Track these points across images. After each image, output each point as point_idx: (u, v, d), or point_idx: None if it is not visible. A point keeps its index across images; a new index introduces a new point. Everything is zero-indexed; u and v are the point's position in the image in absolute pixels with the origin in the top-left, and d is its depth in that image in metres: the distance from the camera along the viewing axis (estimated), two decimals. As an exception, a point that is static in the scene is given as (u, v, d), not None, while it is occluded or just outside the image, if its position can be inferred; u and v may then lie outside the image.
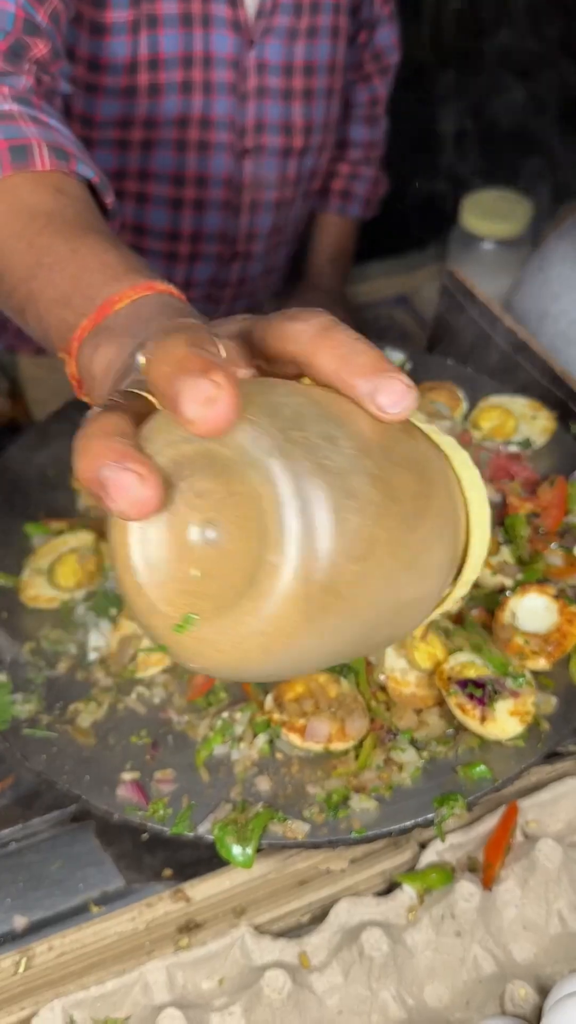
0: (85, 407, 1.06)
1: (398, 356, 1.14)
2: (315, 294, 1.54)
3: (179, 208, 1.32)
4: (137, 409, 0.47)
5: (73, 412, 1.08)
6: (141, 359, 0.44)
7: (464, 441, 1.02)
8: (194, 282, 1.42)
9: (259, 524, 0.44)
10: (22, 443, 1.06)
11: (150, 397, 0.47)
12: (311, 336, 0.48)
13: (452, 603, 0.62)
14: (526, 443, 1.01)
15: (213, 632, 0.45)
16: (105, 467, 0.42)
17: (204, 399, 0.40)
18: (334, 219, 1.60)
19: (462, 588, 0.60)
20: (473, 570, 0.59)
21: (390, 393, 0.47)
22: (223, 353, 0.44)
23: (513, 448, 1.01)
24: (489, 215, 1.53)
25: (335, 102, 1.40)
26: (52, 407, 1.08)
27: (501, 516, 0.96)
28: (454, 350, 1.14)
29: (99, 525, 0.96)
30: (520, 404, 1.04)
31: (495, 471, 0.99)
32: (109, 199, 0.82)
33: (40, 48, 0.88)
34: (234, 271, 1.44)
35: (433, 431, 0.59)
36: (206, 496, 0.45)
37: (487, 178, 1.61)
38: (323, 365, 0.48)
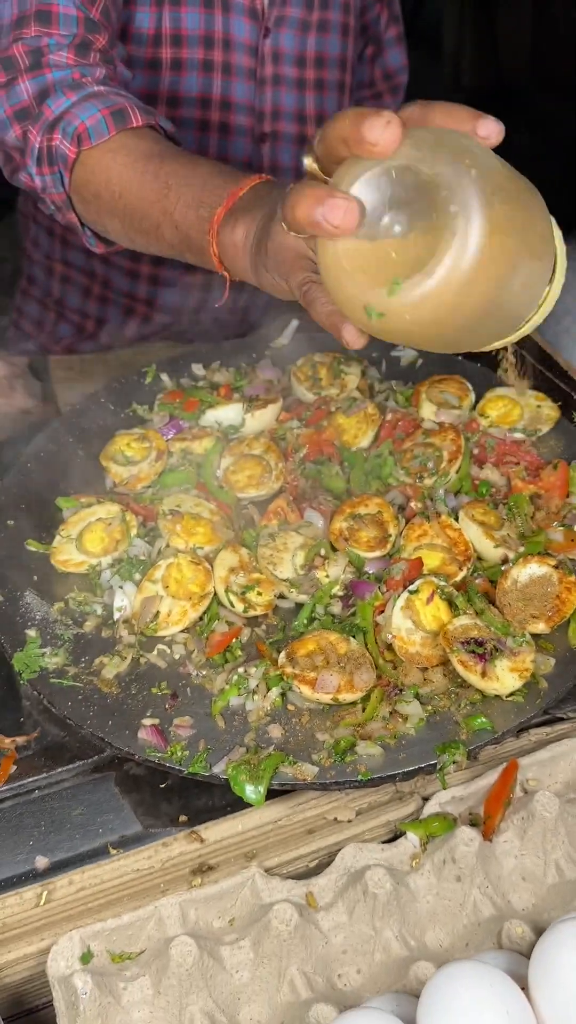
0: (108, 399, 1.14)
1: (411, 352, 1.20)
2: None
3: None
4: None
5: (96, 405, 1.15)
6: (307, 158, 0.67)
7: (472, 428, 1.07)
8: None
9: (434, 204, 0.62)
10: (52, 429, 1.12)
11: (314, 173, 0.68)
12: (420, 108, 0.66)
13: (550, 303, 0.75)
14: (531, 431, 1.07)
15: (414, 288, 0.62)
16: (318, 207, 0.62)
17: (384, 124, 0.61)
18: None
19: (557, 287, 0.74)
20: (561, 270, 0.74)
21: (487, 126, 0.66)
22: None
23: (518, 435, 1.06)
24: None
25: (346, 97, 1.48)
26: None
27: (505, 496, 1.01)
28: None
29: (125, 499, 1.02)
30: (525, 395, 1.10)
31: (500, 456, 1.04)
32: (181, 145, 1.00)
33: (100, 40, 1.05)
34: None
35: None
36: (387, 203, 0.63)
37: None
38: (437, 120, 0.66)
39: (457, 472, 1.02)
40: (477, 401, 1.12)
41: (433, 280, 0.62)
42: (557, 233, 0.74)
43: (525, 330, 0.77)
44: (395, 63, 1.58)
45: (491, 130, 0.66)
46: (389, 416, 1.09)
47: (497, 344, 0.78)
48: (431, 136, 0.65)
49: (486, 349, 0.78)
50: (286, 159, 1.43)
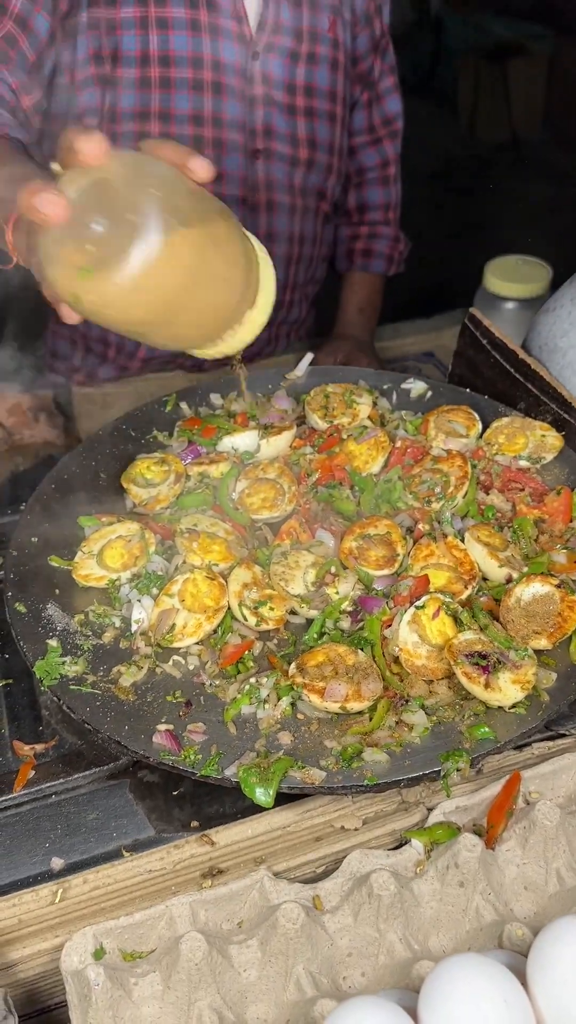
0: (129, 426, 1.19)
1: (421, 385, 1.25)
2: (344, 342, 1.67)
3: None
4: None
5: (118, 431, 1.20)
6: (54, 164, 0.80)
7: (479, 456, 1.11)
8: None
9: (125, 209, 0.77)
10: (76, 452, 1.17)
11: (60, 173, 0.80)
12: (151, 144, 0.84)
13: (251, 327, 0.90)
14: (535, 459, 1.11)
15: (102, 278, 0.77)
16: (36, 196, 0.75)
17: (91, 140, 0.77)
18: (359, 275, 1.74)
19: (260, 313, 0.91)
20: (267, 297, 0.91)
21: (196, 162, 0.83)
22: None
23: (523, 463, 1.10)
24: (511, 278, 1.65)
25: (338, 128, 1.54)
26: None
27: (510, 520, 1.05)
28: (472, 380, 1.25)
29: (144, 519, 1.06)
30: (531, 425, 1.14)
31: (506, 482, 1.08)
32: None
33: (4, 24, 1.17)
34: None
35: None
36: (93, 206, 0.77)
37: (510, 248, 1.75)
38: (159, 154, 0.83)
39: (464, 497, 1.06)
40: (484, 430, 1.16)
41: (111, 273, 0.76)
42: (264, 262, 0.90)
43: (223, 349, 0.90)
44: (392, 110, 1.67)
45: (198, 166, 0.83)
46: (399, 443, 1.13)
47: (197, 352, 0.91)
48: (135, 161, 0.82)
49: (202, 354, 0.91)
50: (280, 175, 1.50)
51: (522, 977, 0.68)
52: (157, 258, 0.77)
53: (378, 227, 1.73)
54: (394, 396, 1.26)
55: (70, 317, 0.84)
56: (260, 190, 1.50)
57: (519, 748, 0.90)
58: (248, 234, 0.92)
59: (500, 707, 0.86)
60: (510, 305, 1.65)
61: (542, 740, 0.91)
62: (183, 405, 1.24)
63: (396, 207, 1.76)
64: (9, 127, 1.22)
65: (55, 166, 0.81)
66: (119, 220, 0.77)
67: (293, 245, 1.59)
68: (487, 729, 0.84)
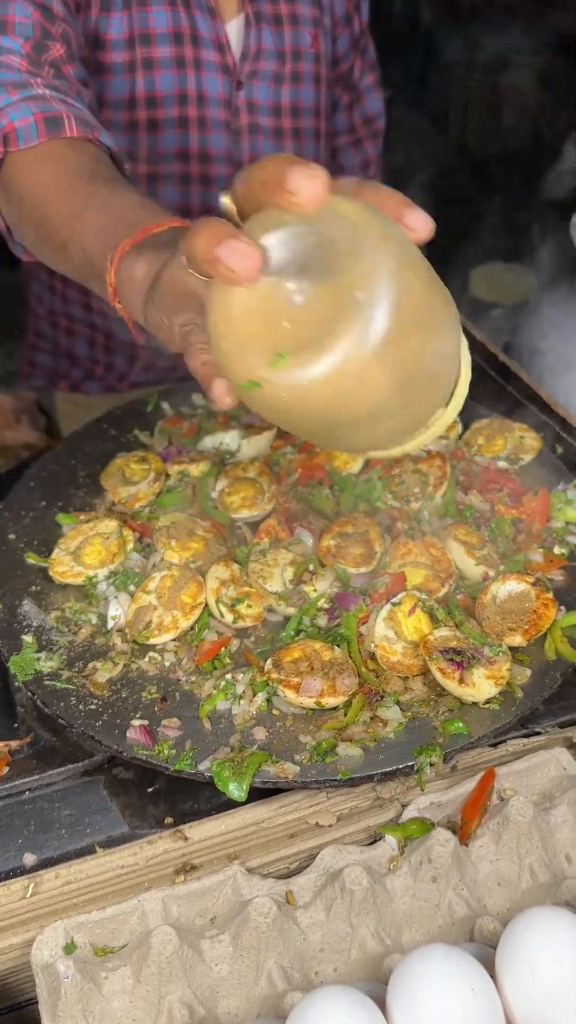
0: (110, 426, 1.19)
1: (401, 386, 1.25)
2: None
3: None
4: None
5: (98, 430, 1.21)
6: (225, 197, 0.62)
7: (458, 456, 1.12)
8: None
9: (344, 276, 0.56)
10: (56, 451, 1.17)
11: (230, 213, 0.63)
12: (354, 184, 0.64)
13: (440, 427, 0.71)
14: (514, 460, 1.11)
15: (300, 366, 0.57)
16: (219, 244, 0.57)
17: (308, 176, 0.56)
18: None
19: (452, 412, 0.72)
20: (461, 396, 0.71)
21: (416, 218, 0.63)
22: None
23: (502, 463, 1.11)
24: (496, 284, 1.67)
25: (322, 143, 1.54)
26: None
27: (488, 520, 1.05)
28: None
29: (123, 516, 1.07)
30: (510, 427, 1.15)
31: (485, 483, 1.09)
32: (127, 167, 0.99)
33: (57, 50, 1.07)
34: None
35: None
36: (297, 265, 0.58)
37: (496, 254, 1.76)
38: (367, 199, 0.62)
39: (442, 497, 1.06)
40: (464, 431, 1.16)
41: (318, 369, 0.56)
42: (465, 356, 0.69)
43: (405, 448, 0.72)
44: (373, 109, 1.65)
45: (419, 222, 0.62)
46: (378, 444, 1.13)
47: (372, 454, 0.75)
48: (357, 210, 0.59)
49: (361, 455, 0.75)
50: None
51: (491, 968, 0.68)
52: (380, 352, 0.57)
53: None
54: (375, 398, 1.26)
55: (223, 401, 0.69)
56: None
57: (494, 745, 0.90)
58: None
59: (474, 703, 0.86)
60: (496, 311, 1.67)
61: (517, 737, 0.91)
62: (164, 405, 1.24)
63: None
64: (99, 130, 0.99)
65: (225, 200, 0.62)
66: (336, 293, 0.57)
67: None
68: (461, 724, 0.84)
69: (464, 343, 0.70)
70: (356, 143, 1.69)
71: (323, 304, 0.57)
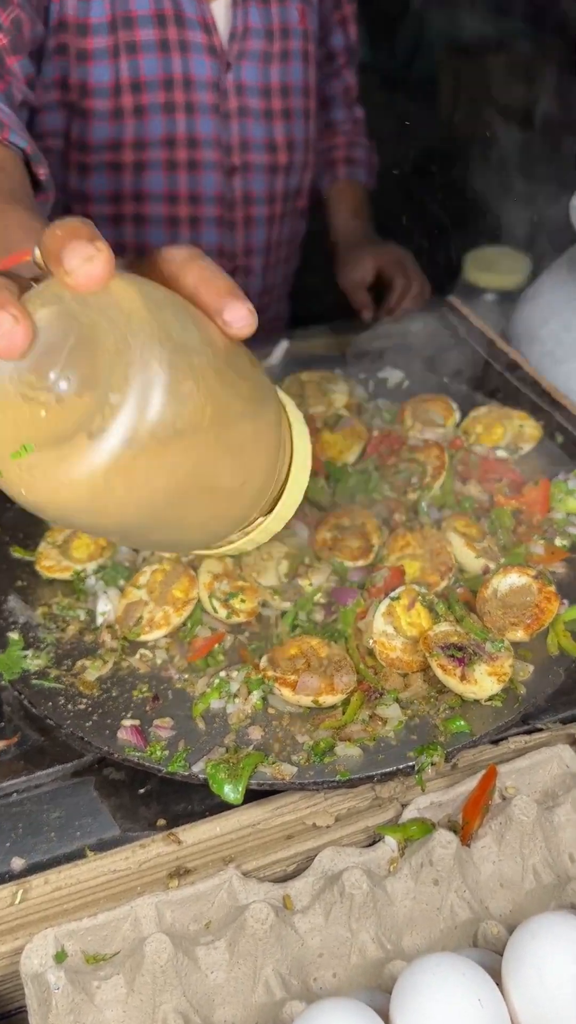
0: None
1: (398, 373, 1.23)
2: (358, 247, 1.62)
3: (175, 226, 1.42)
4: (23, 286, 0.55)
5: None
6: (37, 251, 0.53)
7: (456, 446, 1.09)
8: None
9: (106, 373, 0.50)
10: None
11: (40, 267, 0.54)
12: (183, 259, 0.57)
13: (263, 534, 0.66)
14: (513, 449, 1.09)
15: (46, 463, 0.51)
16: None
17: (85, 256, 0.49)
18: (345, 184, 1.70)
19: (276, 522, 0.65)
20: (288, 507, 0.65)
21: (235, 312, 0.56)
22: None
23: (501, 453, 1.08)
24: (490, 269, 1.64)
25: (312, 123, 1.52)
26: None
27: (488, 511, 1.03)
28: (450, 369, 1.23)
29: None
30: (509, 415, 1.12)
31: (483, 472, 1.06)
32: (42, 171, 0.91)
33: (1, 39, 1.01)
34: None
35: (278, 391, 0.67)
36: (64, 351, 0.51)
37: (491, 238, 1.73)
38: (187, 282, 0.56)
39: (441, 487, 1.04)
40: (462, 419, 1.14)
41: (57, 472, 0.51)
42: (300, 455, 0.65)
43: (223, 551, 0.68)
44: (335, 45, 1.64)
45: (236, 317, 0.56)
46: (375, 433, 1.11)
47: (203, 553, 0.68)
48: (138, 301, 0.52)
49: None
50: (258, 188, 1.46)
51: (497, 976, 0.66)
52: (126, 465, 0.51)
53: (353, 137, 1.70)
54: (370, 385, 1.23)
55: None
56: (237, 207, 1.47)
57: (495, 742, 0.88)
58: (286, 406, 0.68)
59: (476, 700, 0.84)
60: (490, 296, 1.63)
61: (518, 734, 0.89)
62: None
63: (363, 124, 1.74)
64: (9, 130, 0.90)
65: (37, 253, 0.53)
66: (97, 392, 0.51)
67: (271, 253, 1.56)
68: (463, 722, 0.82)
69: (301, 441, 0.65)
70: (336, 73, 1.67)
71: (83, 400, 0.51)
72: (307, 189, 1.60)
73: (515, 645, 0.88)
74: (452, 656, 0.83)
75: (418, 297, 1.54)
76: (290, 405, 0.68)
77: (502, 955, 0.71)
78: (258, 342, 1.58)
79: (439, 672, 0.84)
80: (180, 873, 0.82)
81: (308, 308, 1.75)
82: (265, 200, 1.48)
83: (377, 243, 1.61)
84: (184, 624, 0.92)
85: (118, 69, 1.28)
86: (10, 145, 0.89)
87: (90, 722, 0.84)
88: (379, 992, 0.68)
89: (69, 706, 0.85)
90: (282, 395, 0.68)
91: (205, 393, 0.53)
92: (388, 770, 0.79)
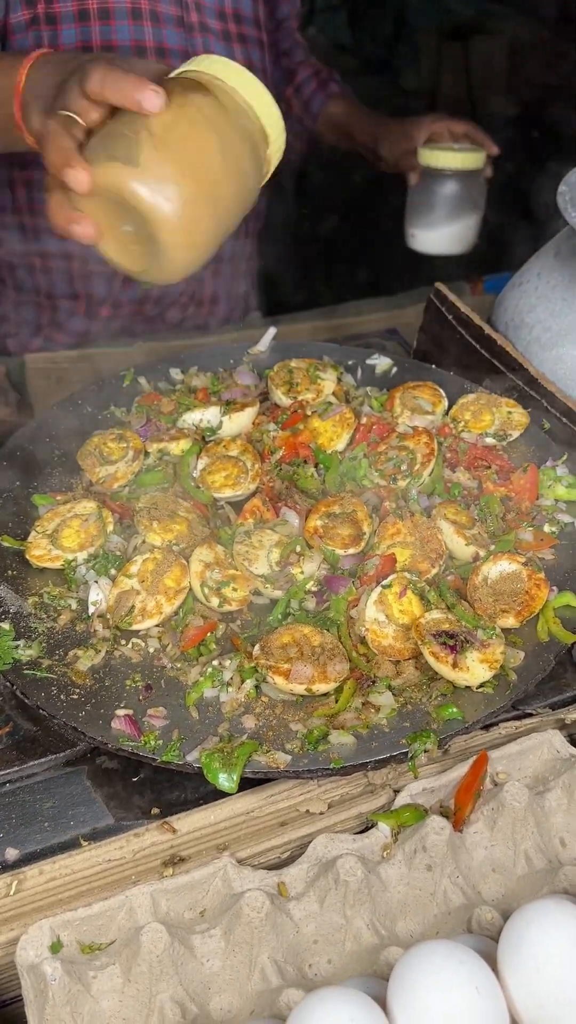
0: (84, 400, 1.15)
1: (386, 361, 1.22)
2: (399, 123, 1.67)
3: None
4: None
5: (74, 406, 1.16)
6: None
7: (445, 433, 1.09)
8: None
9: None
10: (29, 428, 1.13)
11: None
12: (99, 79, 0.85)
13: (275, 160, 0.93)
14: (501, 436, 1.09)
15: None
16: (65, 167, 0.83)
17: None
18: (343, 93, 1.75)
19: (276, 153, 0.94)
20: (276, 146, 0.93)
21: (145, 99, 0.83)
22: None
23: (489, 440, 1.09)
24: (448, 149, 1.60)
25: (267, 56, 1.56)
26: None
27: (477, 498, 1.03)
28: (437, 356, 1.23)
29: (102, 497, 1.03)
30: (497, 402, 1.12)
31: (472, 460, 1.06)
32: None
33: None
34: None
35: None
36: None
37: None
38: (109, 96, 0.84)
39: (430, 475, 1.04)
40: (450, 407, 1.14)
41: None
42: (250, 89, 0.90)
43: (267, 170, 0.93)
44: (284, 13, 1.68)
45: (147, 99, 0.82)
46: (364, 420, 1.11)
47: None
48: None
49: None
50: None
51: (492, 962, 0.67)
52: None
53: (325, 69, 1.76)
54: (359, 372, 1.23)
55: (86, 234, 0.86)
56: None
57: (486, 728, 0.89)
58: (230, 67, 0.91)
59: (468, 687, 0.85)
60: (449, 179, 1.60)
61: (509, 720, 0.90)
62: (141, 380, 1.20)
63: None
64: None
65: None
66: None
67: None
68: (455, 709, 0.82)
69: (247, 88, 0.91)
70: (288, 34, 1.72)
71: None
72: None
73: (506, 632, 0.89)
74: (444, 644, 0.84)
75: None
76: (236, 77, 0.92)
77: (497, 940, 0.72)
78: (239, 321, 1.57)
79: (431, 659, 0.84)
80: (175, 861, 0.82)
81: (290, 297, 1.75)
82: None
83: (412, 119, 1.66)
84: (176, 613, 0.92)
85: None
86: None
87: (83, 712, 0.83)
88: (375, 979, 0.69)
89: (62, 696, 0.85)
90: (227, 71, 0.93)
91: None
92: (381, 757, 0.80)
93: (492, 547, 0.95)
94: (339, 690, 0.85)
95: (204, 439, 1.10)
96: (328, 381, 1.16)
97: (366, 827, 0.85)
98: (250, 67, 1.50)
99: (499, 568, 0.92)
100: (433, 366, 1.21)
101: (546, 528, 0.99)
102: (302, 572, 0.94)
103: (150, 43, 1.40)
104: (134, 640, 0.90)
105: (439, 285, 1.23)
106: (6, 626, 0.90)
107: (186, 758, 0.80)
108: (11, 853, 0.83)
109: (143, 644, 0.90)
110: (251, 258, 1.76)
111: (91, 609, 0.92)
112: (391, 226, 1.83)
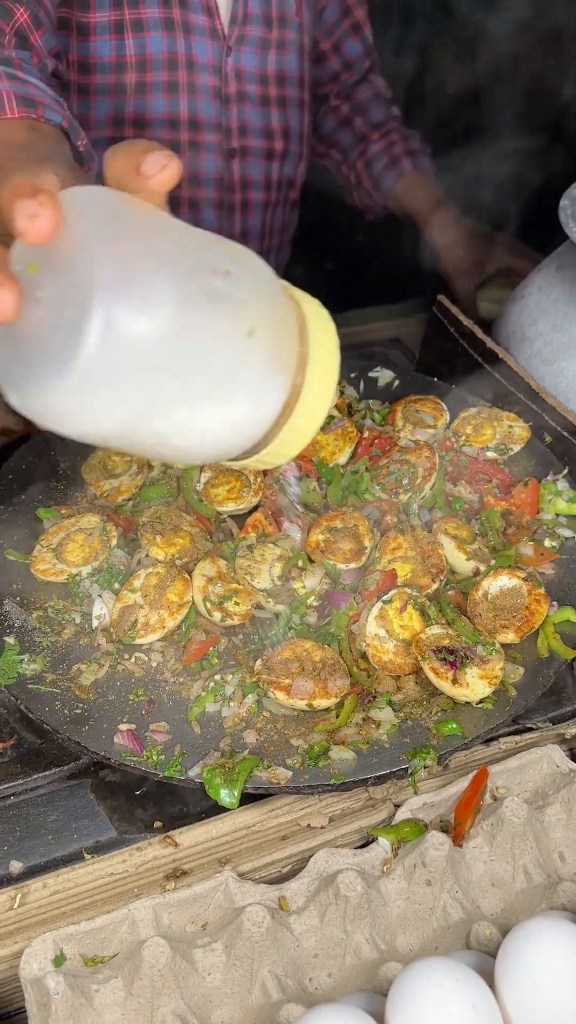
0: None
1: (388, 373, 1.23)
2: (472, 242, 1.49)
3: (176, 207, 1.44)
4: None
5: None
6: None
7: (446, 447, 1.10)
8: None
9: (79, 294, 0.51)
10: (34, 442, 1.14)
11: None
12: (114, 149, 0.58)
13: (287, 442, 0.60)
14: (502, 450, 1.10)
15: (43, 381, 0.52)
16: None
17: (28, 215, 0.51)
18: (417, 175, 1.59)
19: (290, 433, 0.60)
20: (306, 415, 0.59)
21: (150, 161, 0.55)
22: (54, 179, 0.57)
23: (491, 454, 1.09)
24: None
25: (307, 115, 1.53)
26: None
27: (478, 512, 1.04)
28: (440, 369, 1.24)
29: (106, 511, 1.04)
30: (498, 416, 1.13)
31: (474, 474, 1.07)
32: (81, 142, 0.90)
33: (22, 15, 1.01)
34: None
35: (289, 287, 0.63)
36: (45, 281, 0.53)
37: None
38: (116, 163, 0.57)
39: (431, 488, 1.04)
40: (452, 420, 1.15)
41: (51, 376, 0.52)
42: (318, 338, 0.60)
43: (260, 461, 0.62)
44: (352, 52, 1.60)
45: (150, 167, 0.55)
46: (366, 434, 1.11)
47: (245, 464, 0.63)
48: (101, 211, 0.54)
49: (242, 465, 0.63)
50: (255, 173, 1.49)
51: (489, 978, 0.68)
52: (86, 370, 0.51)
53: (405, 131, 1.62)
54: (361, 384, 1.24)
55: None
56: (236, 190, 1.48)
57: (486, 743, 0.89)
58: (296, 294, 0.62)
59: (467, 702, 0.85)
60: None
61: (509, 734, 0.91)
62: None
63: (400, 119, 1.67)
64: (43, 107, 0.84)
65: None
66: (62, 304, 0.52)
67: (264, 239, 1.58)
68: (455, 725, 0.83)
69: (316, 324, 0.60)
70: (363, 79, 1.63)
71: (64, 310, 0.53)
72: (300, 182, 1.61)
73: (505, 647, 0.90)
74: (444, 659, 0.84)
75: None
76: (308, 301, 0.62)
77: (494, 956, 0.73)
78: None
79: (431, 675, 0.85)
80: (177, 875, 0.83)
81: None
82: (262, 186, 1.50)
83: (484, 237, 1.47)
84: (179, 627, 0.93)
85: (122, 46, 1.29)
86: (47, 122, 0.88)
87: (86, 727, 0.84)
88: (374, 995, 0.70)
89: (65, 711, 0.86)
90: (300, 293, 0.63)
91: (180, 297, 0.53)
92: (382, 773, 0.81)
93: (493, 562, 0.96)
94: (340, 705, 0.85)
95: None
96: (330, 394, 1.17)
97: (367, 841, 0.85)
98: (286, 131, 1.50)
99: (499, 583, 0.92)
100: (435, 379, 1.22)
101: (547, 543, 1.00)
102: (304, 587, 0.94)
103: (184, 116, 1.36)
104: (137, 654, 0.91)
105: (441, 298, 1.24)
106: (11, 640, 0.91)
107: (188, 773, 0.80)
108: (15, 866, 0.84)
109: (146, 658, 0.91)
110: (279, 270, 1.76)
111: (95, 623, 0.93)
112: (396, 233, 1.84)
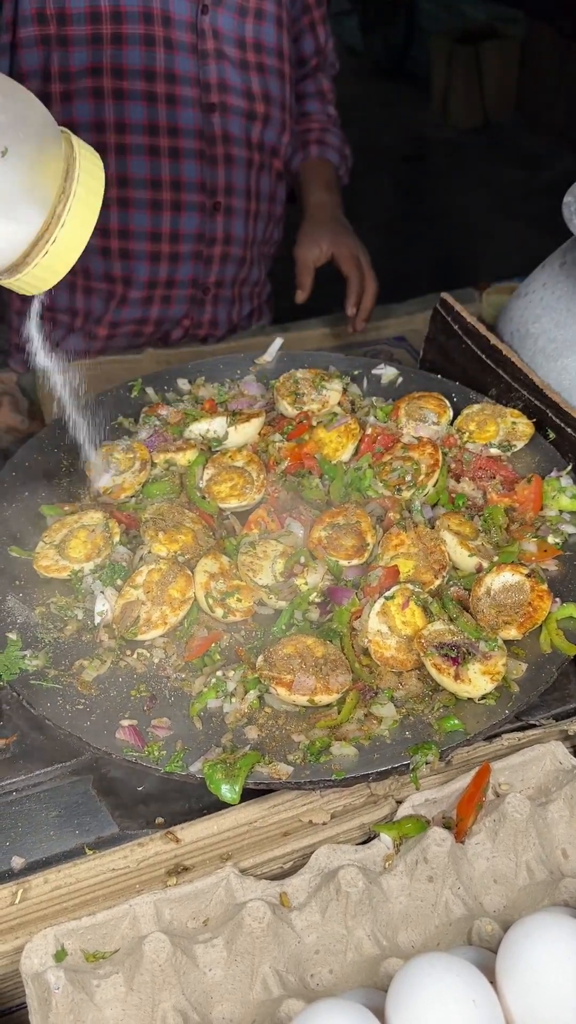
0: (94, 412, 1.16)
1: (391, 371, 1.23)
2: (321, 226, 1.59)
3: (156, 156, 1.46)
4: None
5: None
6: None
7: (449, 443, 1.10)
8: (182, 233, 1.54)
9: None
10: (38, 439, 1.14)
11: None
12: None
13: (45, 266, 0.67)
14: (506, 446, 1.09)
15: None
16: None
17: None
18: (317, 162, 1.69)
19: (48, 258, 0.67)
20: (62, 245, 0.67)
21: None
22: None
23: (494, 450, 1.09)
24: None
25: (287, 86, 1.55)
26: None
27: (481, 508, 1.03)
28: (443, 366, 1.23)
29: (109, 508, 1.04)
30: (502, 412, 1.13)
31: (476, 470, 1.06)
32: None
33: None
34: (219, 224, 1.55)
35: (69, 134, 0.69)
36: None
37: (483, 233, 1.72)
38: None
39: (435, 485, 1.04)
40: (455, 417, 1.14)
41: None
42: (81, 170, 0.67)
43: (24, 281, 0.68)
44: (305, 49, 1.66)
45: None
46: (369, 430, 1.11)
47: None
48: None
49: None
50: (236, 130, 1.51)
51: (491, 974, 0.67)
52: None
53: (328, 126, 1.72)
54: (365, 382, 1.24)
55: None
56: (217, 143, 1.51)
57: (488, 739, 0.89)
58: (75, 141, 0.70)
59: (470, 698, 0.85)
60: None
61: (512, 731, 0.90)
62: (149, 390, 1.21)
63: (338, 122, 1.75)
64: None
65: None
66: None
67: (251, 200, 1.60)
68: (456, 721, 0.83)
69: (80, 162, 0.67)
70: (309, 74, 1.69)
71: None
72: (284, 152, 1.62)
73: (508, 643, 0.89)
74: (446, 655, 0.84)
75: (373, 296, 1.53)
76: (84, 148, 0.69)
77: (496, 952, 0.72)
78: (247, 314, 1.57)
79: (433, 671, 0.84)
80: (178, 871, 0.83)
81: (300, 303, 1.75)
82: (244, 143, 1.52)
83: (339, 230, 1.58)
84: (181, 623, 0.93)
85: None
86: None
87: (88, 722, 0.84)
88: (375, 991, 0.69)
89: (67, 706, 0.86)
90: (78, 141, 0.70)
91: None
92: (383, 769, 0.80)
93: (496, 558, 0.95)
94: (342, 701, 0.85)
95: (211, 449, 1.11)
96: (334, 391, 1.17)
97: (368, 838, 0.85)
98: (267, 96, 1.52)
99: (502, 579, 0.92)
100: (439, 376, 1.22)
101: (550, 539, 1.00)
102: (306, 583, 0.94)
103: (160, 69, 1.40)
104: (139, 650, 0.91)
105: (445, 295, 1.24)
106: (13, 636, 0.91)
107: (189, 769, 0.80)
108: (17, 862, 0.84)
109: (148, 654, 0.91)
110: (258, 283, 1.75)
111: (97, 619, 0.93)
112: (401, 232, 1.83)
